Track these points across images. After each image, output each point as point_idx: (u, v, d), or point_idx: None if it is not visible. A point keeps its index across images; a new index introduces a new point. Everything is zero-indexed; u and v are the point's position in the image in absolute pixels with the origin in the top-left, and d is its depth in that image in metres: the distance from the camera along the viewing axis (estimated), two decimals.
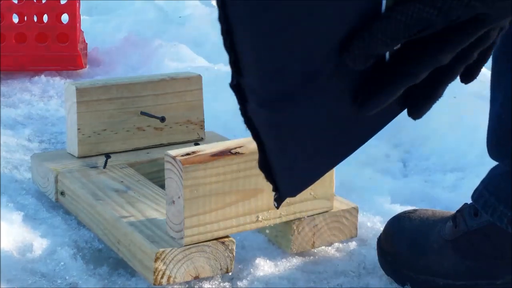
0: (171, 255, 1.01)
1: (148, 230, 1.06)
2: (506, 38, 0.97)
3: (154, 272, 1.00)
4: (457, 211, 1.08)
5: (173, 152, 1.01)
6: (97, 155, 1.33)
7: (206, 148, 1.03)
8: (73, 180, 1.23)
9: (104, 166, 1.28)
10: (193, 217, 1.01)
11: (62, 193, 1.25)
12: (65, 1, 2.17)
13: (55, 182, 1.27)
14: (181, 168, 0.99)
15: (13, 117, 1.81)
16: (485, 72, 1.61)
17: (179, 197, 1.00)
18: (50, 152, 1.43)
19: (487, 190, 1.03)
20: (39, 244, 1.15)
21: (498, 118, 1.01)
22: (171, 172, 1.01)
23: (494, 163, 1.05)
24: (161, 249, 1.00)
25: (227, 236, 1.05)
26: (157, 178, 1.27)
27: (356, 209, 1.18)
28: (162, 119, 1.36)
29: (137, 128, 1.37)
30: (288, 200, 1.09)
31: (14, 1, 2.16)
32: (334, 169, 1.13)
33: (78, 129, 1.31)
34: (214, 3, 3.24)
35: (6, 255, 1.11)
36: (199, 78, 1.42)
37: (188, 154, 1.01)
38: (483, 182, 1.05)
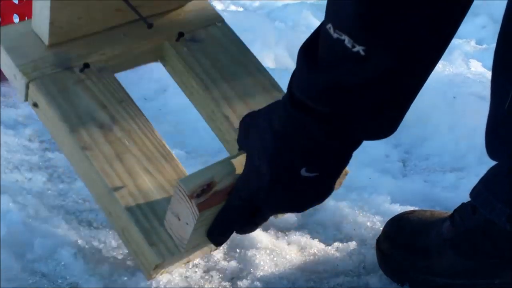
0: (170, 260, 1.00)
1: (147, 222, 0.99)
2: None
3: (152, 275, 1.00)
4: (455, 210, 1.08)
5: (187, 184, 0.89)
6: (70, 44, 1.12)
7: (224, 179, 0.90)
8: (47, 95, 1.07)
9: (81, 71, 1.10)
10: (197, 239, 0.96)
11: (35, 105, 1.10)
12: None
13: (26, 88, 1.09)
14: (197, 213, 0.89)
15: (13, 117, 1.80)
16: (485, 73, 1.62)
17: (187, 224, 0.92)
18: (17, 28, 1.16)
19: (486, 188, 1.03)
20: (40, 244, 1.15)
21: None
22: (182, 203, 0.90)
23: (493, 162, 1.06)
24: (161, 261, 0.97)
25: None
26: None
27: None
28: (150, 26, 1.13)
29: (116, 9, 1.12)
30: None
31: (14, 1, 2.16)
32: None
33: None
34: (214, 3, 3.24)
35: (6, 255, 1.11)
36: None
37: (203, 190, 0.89)
38: (481, 180, 1.05)
